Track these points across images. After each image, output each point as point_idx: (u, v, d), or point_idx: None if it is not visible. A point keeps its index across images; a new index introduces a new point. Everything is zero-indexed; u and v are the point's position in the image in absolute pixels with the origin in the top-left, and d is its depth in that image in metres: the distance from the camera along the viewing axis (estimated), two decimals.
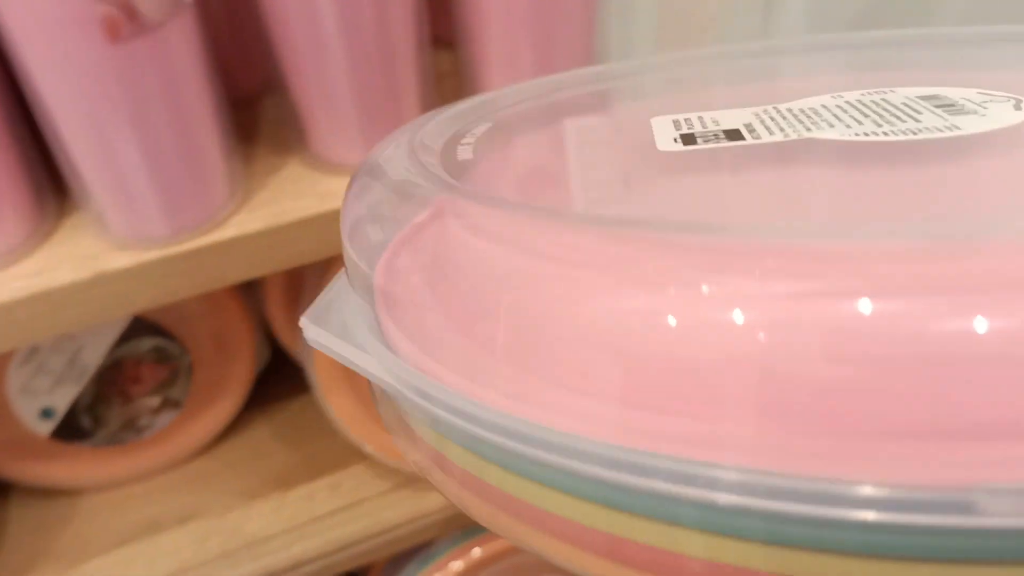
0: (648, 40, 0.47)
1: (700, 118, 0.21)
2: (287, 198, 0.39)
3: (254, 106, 0.46)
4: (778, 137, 0.20)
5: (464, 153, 0.22)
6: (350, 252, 0.21)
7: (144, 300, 0.38)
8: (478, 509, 0.18)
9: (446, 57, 0.48)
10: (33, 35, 0.31)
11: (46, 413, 0.51)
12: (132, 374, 0.51)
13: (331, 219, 0.38)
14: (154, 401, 0.53)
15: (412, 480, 0.55)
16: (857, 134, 0.19)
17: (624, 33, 0.49)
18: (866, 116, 0.20)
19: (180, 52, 0.33)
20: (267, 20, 0.36)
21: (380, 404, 0.21)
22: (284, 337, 0.56)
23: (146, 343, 0.50)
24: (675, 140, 0.20)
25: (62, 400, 0.51)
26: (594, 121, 0.24)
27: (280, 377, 0.60)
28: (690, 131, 0.21)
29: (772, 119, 0.21)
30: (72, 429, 0.52)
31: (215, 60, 0.37)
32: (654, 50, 0.47)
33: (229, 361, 0.54)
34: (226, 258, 0.38)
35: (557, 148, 0.23)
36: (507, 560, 0.60)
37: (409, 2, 0.37)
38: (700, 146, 0.20)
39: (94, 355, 0.50)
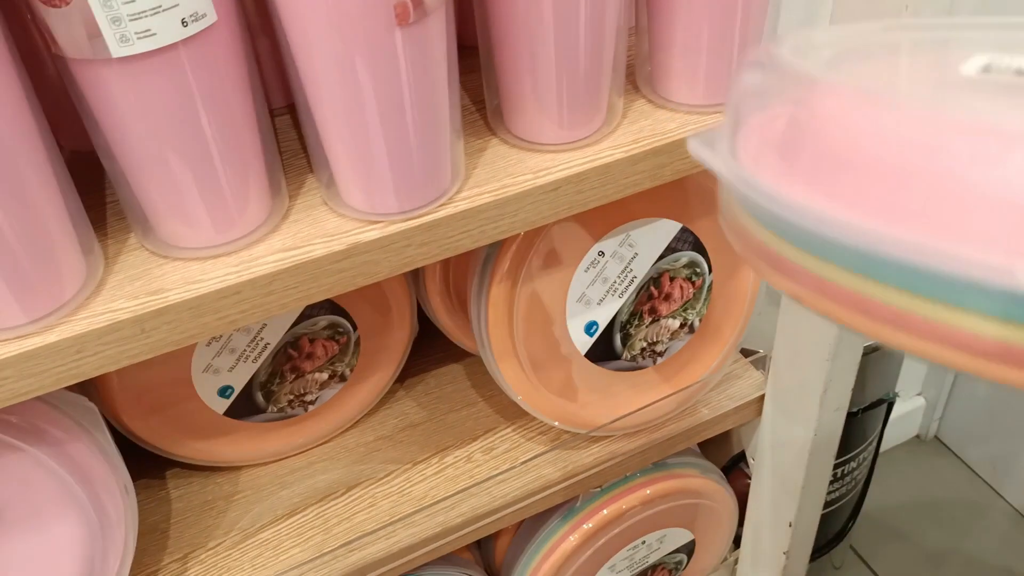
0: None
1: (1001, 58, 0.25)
2: (504, 175, 0.42)
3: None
4: None
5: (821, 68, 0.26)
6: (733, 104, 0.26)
7: (384, 269, 0.41)
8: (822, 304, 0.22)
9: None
10: (322, 23, 0.33)
11: (224, 391, 0.53)
12: (307, 350, 0.54)
13: (546, 191, 0.42)
14: (323, 375, 0.56)
15: (558, 438, 0.59)
16: None
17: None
18: None
19: (439, 38, 0.36)
20: (486, 13, 0.39)
21: (722, 211, 0.25)
22: (436, 313, 0.59)
23: (322, 321, 0.53)
24: (979, 69, 0.24)
25: (241, 378, 0.53)
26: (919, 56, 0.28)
27: (417, 357, 0.63)
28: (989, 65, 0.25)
29: None
30: (246, 405, 0.55)
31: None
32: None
33: (391, 334, 0.57)
34: (457, 229, 0.41)
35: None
36: (637, 515, 0.64)
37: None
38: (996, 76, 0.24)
39: (275, 333, 0.52)
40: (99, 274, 0.38)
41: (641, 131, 0.44)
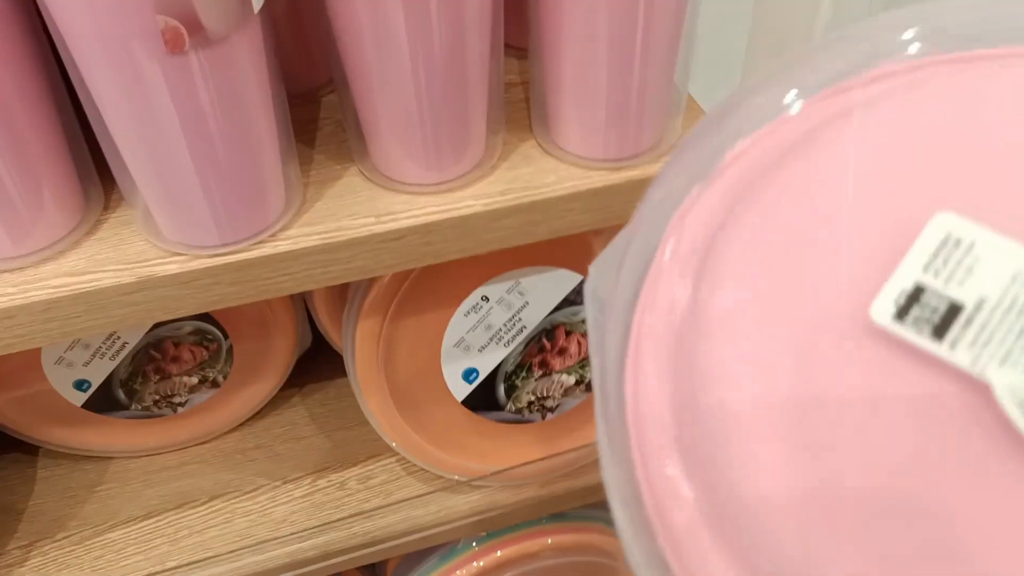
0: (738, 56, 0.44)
1: None
2: (344, 214, 0.37)
3: (317, 101, 0.44)
4: None
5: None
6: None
7: (189, 307, 0.36)
8: None
9: (515, 65, 0.46)
10: (93, 45, 0.29)
11: (80, 385, 0.50)
12: (172, 354, 0.50)
13: (386, 239, 0.37)
14: (192, 380, 0.52)
15: (439, 479, 0.54)
16: None
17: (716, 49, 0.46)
18: None
19: (244, 63, 0.31)
20: (332, 29, 0.34)
21: None
22: (326, 328, 0.54)
23: (187, 326, 0.49)
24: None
25: (98, 374, 0.50)
26: None
27: (320, 362, 0.59)
28: None
29: None
30: (106, 400, 0.52)
31: (280, 60, 0.34)
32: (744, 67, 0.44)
33: (270, 345, 0.53)
34: (276, 271, 0.36)
35: None
36: (528, 565, 0.59)
37: (484, 17, 0.34)
38: None
39: (133, 333, 0.49)
40: None
41: (515, 180, 0.38)
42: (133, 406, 0.52)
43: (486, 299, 0.45)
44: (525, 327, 0.47)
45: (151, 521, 0.53)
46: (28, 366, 0.49)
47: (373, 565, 0.67)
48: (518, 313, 0.46)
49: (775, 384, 0.21)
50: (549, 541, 0.60)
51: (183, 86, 0.30)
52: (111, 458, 0.57)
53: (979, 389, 0.19)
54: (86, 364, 0.49)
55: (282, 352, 0.53)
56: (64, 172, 0.35)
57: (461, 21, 0.33)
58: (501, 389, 0.49)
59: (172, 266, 0.35)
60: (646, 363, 0.22)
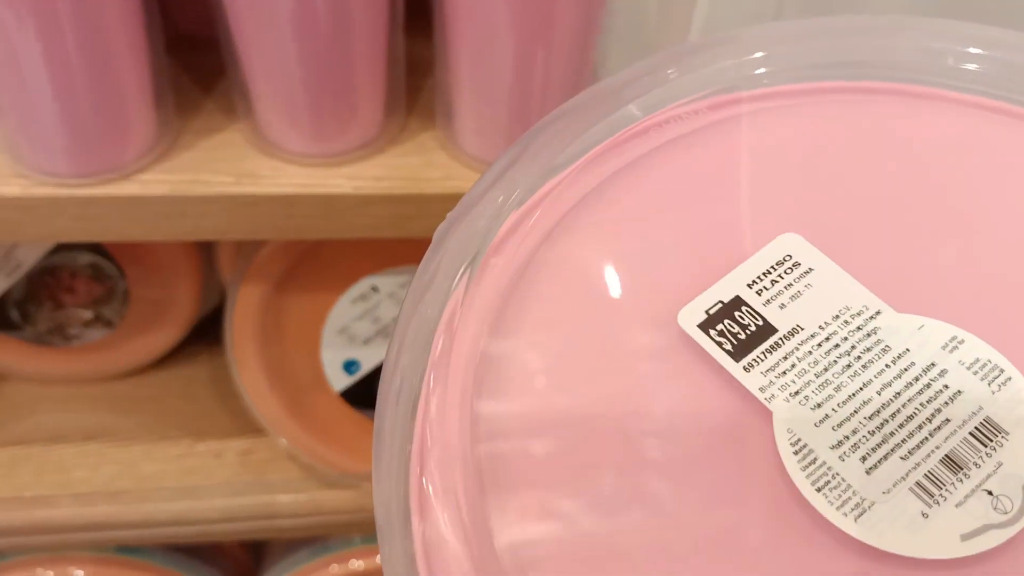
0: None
1: None
2: (206, 168, 0.35)
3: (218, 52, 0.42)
4: None
5: None
6: None
7: (30, 233, 0.35)
8: None
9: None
10: None
11: None
12: (67, 283, 0.49)
13: (244, 203, 0.35)
14: (86, 314, 0.51)
15: (318, 472, 0.52)
16: None
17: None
18: None
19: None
20: None
21: None
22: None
23: (83, 258, 0.48)
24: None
25: None
26: None
27: None
28: None
29: None
30: (1, 318, 0.51)
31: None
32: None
33: (169, 294, 0.51)
34: (119, 214, 0.34)
35: None
36: None
37: None
38: None
39: (29, 255, 0.48)
40: None
41: (397, 169, 0.36)
42: (27, 329, 0.51)
43: (376, 290, 0.43)
44: None
45: (21, 448, 0.52)
46: None
47: (257, 547, 0.65)
48: None
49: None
50: None
51: (39, 6, 0.28)
52: (5, 379, 0.56)
53: (766, 417, 0.17)
54: None
55: (182, 306, 0.52)
56: None
57: None
58: None
59: (15, 187, 0.33)
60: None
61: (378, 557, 0.57)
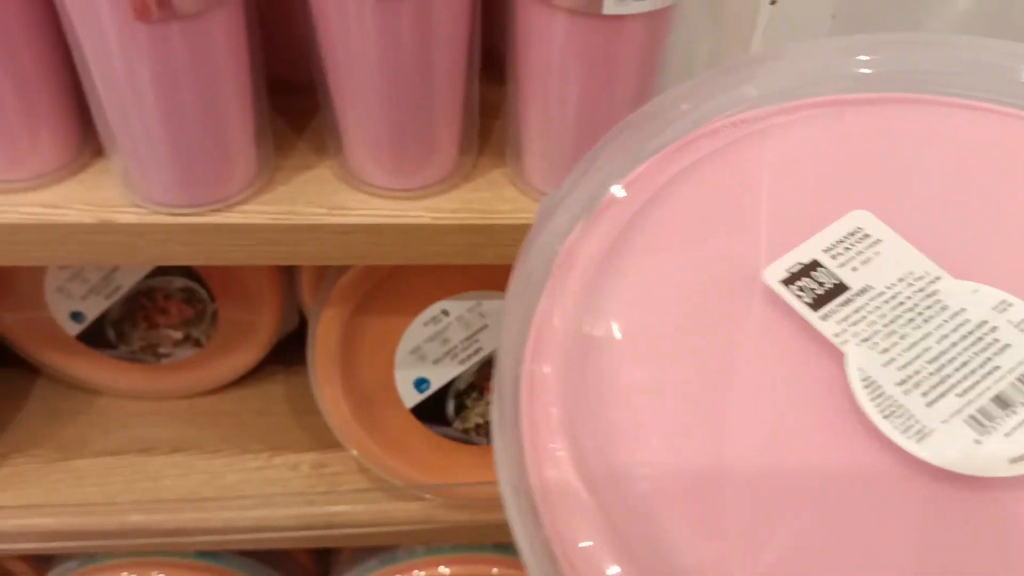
0: None
1: None
2: (302, 201, 0.39)
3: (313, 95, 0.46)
4: None
5: None
6: None
7: (143, 257, 0.39)
8: None
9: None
10: (74, 3, 0.31)
11: (76, 316, 0.54)
12: (161, 305, 0.54)
13: (336, 231, 0.38)
14: (177, 334, 0.55)
15: (389, 484, 0.55)
16: None
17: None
18: None
19: (216, 40, 0.33)
20: (312, 25, 0.36)
21: None
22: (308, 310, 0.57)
23: (177, 282, 0.52)
24: None
25: (92, 309, 0.53)
26: None
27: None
28: None
29: None
30: (98, 337, 0.55)
31: (270, 46, 0.37)
32: None
33: (254, 318, 0.55)
34: (226, 240, 0.38)
35: None
36: None
37: (457, 36, 0.35)
38: None
39: (128, 278, 0.52)
40: None
41: (471, 202, 0.39)
42: (121, 347, 0.56)
43: (446, 313, 0.47)
44: (481, 349, 0.48)
45: (114, 458, 0.56)
46: (33, 290, 0.52)
47: (324, 556, 0.69)
48: (476, 334, 0.47)
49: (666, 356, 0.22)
50: (495, 571, 0.60)
51: (153, 54, 0.32)
52: (100, 394, 0.60)
53: (838, 359, 0.21)
54: (83, 298, 0.53)
55: (264, 328, 0.56)
56: (63, 115, 0.38)
57: (432, 38, 0.35)
58: (451, 405, 0.50)
59: (131, 216, 0.38)
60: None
61: (442, 566, 0.60)
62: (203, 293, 0.53)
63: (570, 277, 0.24)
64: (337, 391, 0.49)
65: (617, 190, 0.25)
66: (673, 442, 0.20)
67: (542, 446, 0.21)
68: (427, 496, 0.54)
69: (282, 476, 0.56)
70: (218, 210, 0.38)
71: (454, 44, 0.36)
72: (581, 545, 0.20)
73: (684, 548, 0.19)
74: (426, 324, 0.47)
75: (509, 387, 0.23)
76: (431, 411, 0.50)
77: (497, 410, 0.23)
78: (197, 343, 0.56)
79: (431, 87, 0.36)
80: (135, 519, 0.53)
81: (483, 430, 0.51)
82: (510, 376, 0.23)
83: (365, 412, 0.50)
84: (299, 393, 0.61)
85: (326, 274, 0.54)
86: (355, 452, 0.52)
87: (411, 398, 0.50)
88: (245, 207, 0.38)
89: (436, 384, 0.49)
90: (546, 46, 0.35)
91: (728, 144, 0.26)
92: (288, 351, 0.59)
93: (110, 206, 0.38)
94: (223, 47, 0.34)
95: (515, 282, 0.25)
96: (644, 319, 0.22)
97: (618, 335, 0.22)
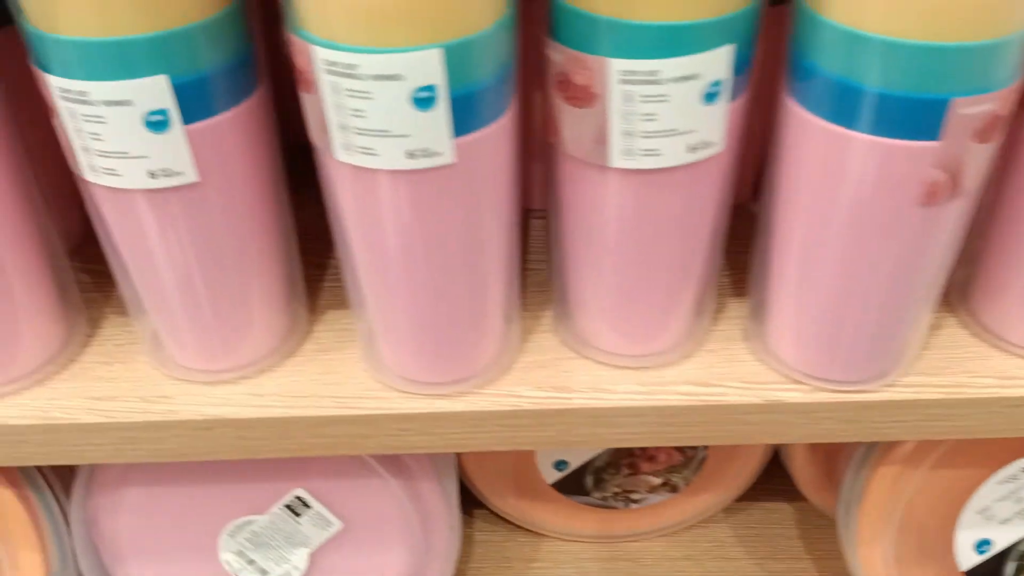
0: None
1: None
2: (961, 371, 0.36)
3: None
4: None
5: None
6: None
7: (796, 436, 0.37)
8: None
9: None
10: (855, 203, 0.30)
11: (560, 464, 0.52)
12: (651, 452, 0.52)
13: (1008, 404, 0.35)
14: (656, 480, 0.53)
15: None
16: None
17: None
18: None
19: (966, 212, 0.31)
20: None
21: None
22: (795, 461, 0.54)
23: None
24: None
25: (580, 457, 0.52)
26: None
27: (772, 481, 0.58)
28: None
29: None
30: (573, 484, 0.53)
31: None
32: None
33: (737, 462, 0.53)
34: (891, 416, 0.36)
35: None
36: None
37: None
38: None
39: None
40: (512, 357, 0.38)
41: None
42: (594, 494, 0.54)
43: None
44: None
45: None
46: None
47: None
48: None
49: None
50: None
51: (922, 234, 0.30)
52: (541, 536, 0.58)
53: None
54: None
55: (744, 472, 0.53)
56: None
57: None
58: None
59: (796, 395, 0.36)
60: None
61: None
62: None
63: None
64: (886, 553, 0.46)
65: None
66: None
67: None
68: None
69: None
70: (884, 386, 0.36)
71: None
72: None
73: None
74: (1001, 483, 0.43)
75: None
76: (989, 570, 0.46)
77: None
78: (674, 489, 0.54)
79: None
80: None
81: None
82: None
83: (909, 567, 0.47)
84: (751, 533, 0.58)
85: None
86: None
87: (968, 560, 0.46)
88: (908, 380, 0.36)
89: (999, 544, 0.45)
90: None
91: None
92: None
93: (763, 384, 0.36)
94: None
95: None
96: None
97: None
